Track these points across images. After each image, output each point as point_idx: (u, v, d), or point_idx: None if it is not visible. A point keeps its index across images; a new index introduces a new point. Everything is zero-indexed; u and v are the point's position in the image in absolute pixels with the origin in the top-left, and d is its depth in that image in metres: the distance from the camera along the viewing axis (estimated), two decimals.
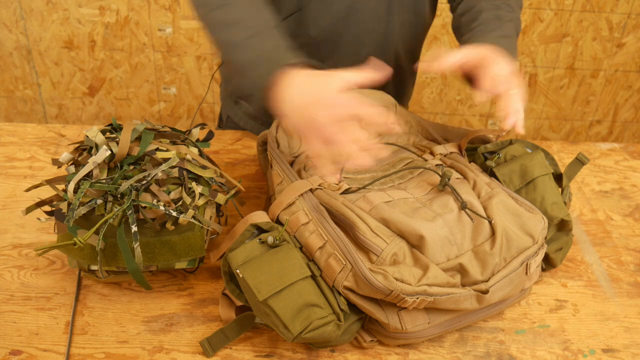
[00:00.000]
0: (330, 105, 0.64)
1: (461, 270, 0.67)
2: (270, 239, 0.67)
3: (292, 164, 0.84)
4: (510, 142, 0.86)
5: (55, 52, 2.13)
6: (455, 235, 0.68)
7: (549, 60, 2.22)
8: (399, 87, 1.13)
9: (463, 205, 0.70)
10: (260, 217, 0.72)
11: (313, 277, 0.67)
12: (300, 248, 0.70)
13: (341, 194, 0.74)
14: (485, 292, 0.66)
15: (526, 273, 0.71)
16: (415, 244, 0.67)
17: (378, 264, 0.65)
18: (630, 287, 0.83)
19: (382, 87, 1.09)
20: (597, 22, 2.13)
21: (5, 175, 0.97)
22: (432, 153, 0.85)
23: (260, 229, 0.70)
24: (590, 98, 2.33)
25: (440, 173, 0.74)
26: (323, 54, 1.03)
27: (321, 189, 0.74)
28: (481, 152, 0.85)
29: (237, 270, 0.65)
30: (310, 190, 0.74)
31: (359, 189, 0.75)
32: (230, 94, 1.15)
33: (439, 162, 0.82)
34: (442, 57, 0.73)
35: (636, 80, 2.29)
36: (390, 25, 1.01)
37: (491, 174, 0.82)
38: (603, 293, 0.82)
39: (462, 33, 0.90)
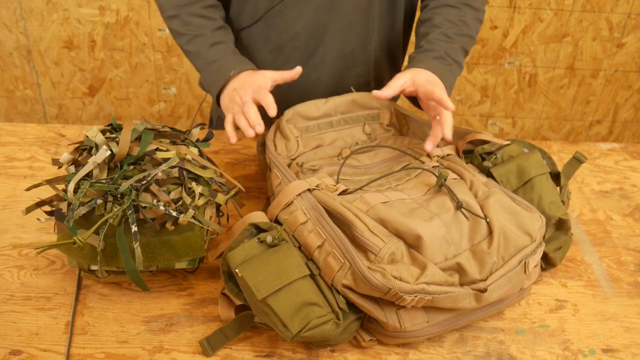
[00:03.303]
0: (246, 88, 0.88)
1: (459, 269, 0.67)
2: (269, 239, 0.68)
3: (289, 165, 0.85)
4: (508, 143, 0.86)
5: (55, 52, 2.13)
6: (452, 234, 0.69)
7: (549, 60, 2.22)
8: (378, 83, 1.14)
9: (459, 205, 0.70)
10: (258, 217, 0.72)
11: (312, 276, 0.67)
12: (299, 247, 0.70)
13: (339, 194, 0.74)
14: (484, 290, 0.67)
15: (525, 272, 0.71)
16: (413, 243, 0.68)
17: (376, 263, 0.65)
18: (630, 287, 0.83)
19: (363, 83, 1.10)
20: (597, 22, 2.13)
21: (5, 175, 0.97)
22: (429, 155, 0.85)
23: (259, 229, 0.70)
24: (590, 98, 2.33)
25: (437, 174, 0.74)
26: (309, 49, 1.04)
27: (319, 189, 0.74)
28: (478, 153, 0.85)
29: (236, 270, 0.65)
30: (309, 190, 0.74)
31: (357, 189, 0.75)
32: None
33: (436, 164, 0.82)
34: (388, 85, 0.87)
35: (636, 80, 2.29)
36: (370, 16, 1.02)
37: (488, 174, 0.82)
38: (603, 293, 0.82)
39: (417, 43, 1.01)
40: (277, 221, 0.74)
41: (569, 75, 2.26)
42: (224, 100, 0.92)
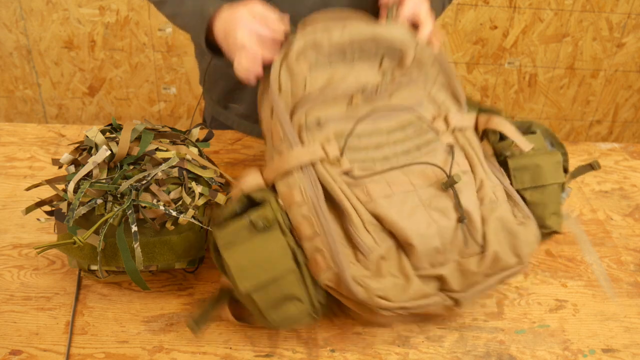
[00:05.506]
0: (241, 21, 0.78)
1: (441, 279, 0.67)
2: (260, 224, 0.65)
3: (292, 115, 0.73)
4: (530, 128, 0.80)
5: (55, 52, 2.13)
6: (445, 245, 0.68)
7: (549, 60, 2.22)
8: None
9: (461, 219, 0.69)
10: (254, 179, 0.70)
11: (298, 265, 0.66)
12: (290, 230, 0.67)
13: (342, 174, 0.69)
14: (458, 303, 0.68)
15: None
16: (404, 247, 0.67)
17: (363, 265, 0.65)
18: (630, 287, 0.83)
19: None
20: (597, 22, 2.13)
21: (5, 175, 0.97)
22: (446, 120, 0.77)
23: (251, 201, 0.68)
24: (590, 98, 2.33)
25: (448, 174, 0.70)
26: None
27: (322, 165, 0.69)
28: (495, 143, 0.79)
29: (223, 255, 0.65)
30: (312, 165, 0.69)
31: (362, 176, 0.70)
32: (218, 99, 1.15)
33: (451, 139, 0.75)
34: None
35: (636, 80, 2.29)
36: (364, 10, 1.02)
37: (504, 162, 0.77)
38: (603, 293, 0.82)
39: None
40: (273, 188, 0.70)
41: (569, 75, 2.26)
42: (221, 38, 0.83)
